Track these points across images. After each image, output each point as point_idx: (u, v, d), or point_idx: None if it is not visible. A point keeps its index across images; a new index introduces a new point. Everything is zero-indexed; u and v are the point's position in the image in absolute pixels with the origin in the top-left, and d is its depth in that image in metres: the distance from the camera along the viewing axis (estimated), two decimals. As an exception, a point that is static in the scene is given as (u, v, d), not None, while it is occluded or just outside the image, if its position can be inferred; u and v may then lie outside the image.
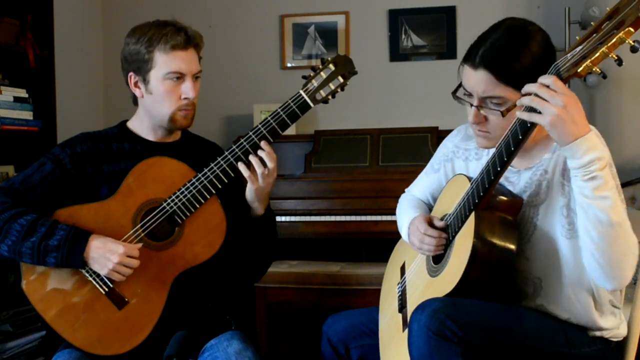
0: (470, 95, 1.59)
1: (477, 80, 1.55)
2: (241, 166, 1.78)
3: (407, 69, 3.74)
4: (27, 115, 2.95)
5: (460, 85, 1.63)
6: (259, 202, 1.84)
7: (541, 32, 1.58)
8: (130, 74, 1.85)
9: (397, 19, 3.72)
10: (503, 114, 1.52)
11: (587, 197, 1.41)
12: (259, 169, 1.77)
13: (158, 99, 1.83)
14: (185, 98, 1.83)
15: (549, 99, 1.36)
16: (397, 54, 3.74)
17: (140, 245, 1.74)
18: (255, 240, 1.90)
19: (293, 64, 3.82)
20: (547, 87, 1.37)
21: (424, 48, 3.71)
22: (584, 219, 1.43)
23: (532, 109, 1.39)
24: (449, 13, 3.67)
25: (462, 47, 3.69)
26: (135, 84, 1.86)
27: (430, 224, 1.72)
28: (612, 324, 1.62)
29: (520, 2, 3.64)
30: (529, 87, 1.40)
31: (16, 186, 1.79)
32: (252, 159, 1.78)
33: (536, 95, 1.38)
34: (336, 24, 3.78)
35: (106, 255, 1.69)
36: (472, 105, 1.58)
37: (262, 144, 1.79)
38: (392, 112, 3.71)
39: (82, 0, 3.85)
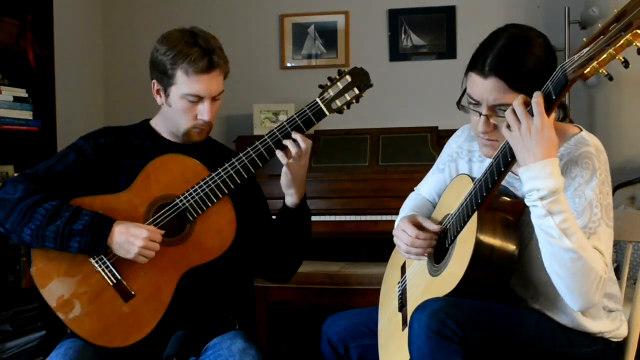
0: (477, 104, 1.58)
1: (488, 88, 1.54)
2: (279, 153, 1.81)
3: (407, 69, 3.74)
4: (27, 115, 2.95)
5: (463, 94, 1.62)
6: (295, 188, 1.87)
7: (542, 36, 1.59)
8: (154, 81, 1.88)
9: (397, 19, 3.72)
10: None
11: (535, 222, 1.46)
12: (293, 149, 1.80)
13: (176, 113, 1.86)
14: (201, 119, 1.85)
15: (520, 119, 1.42)
16: (397, 54, 3.74)
17: (163, 232, 1.76)
18: (289, 233, 1.92)
19: (293, 64, 3.82)
20: (526, 105, 1.43)
21: (424, 48, 3.71)
22: (539, 240, 1.47)
23: None
24: (449, 13, 3.67)
25: (462, 47, 3.70)
26: (158, 92, 1.88)
27: (420, 226, 1.72)
28: (610, 327, 1.62)
29: (520, 2, 3.64)
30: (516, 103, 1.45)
31: (40, 174, 1.82)
32: (287, 141, 1.81)
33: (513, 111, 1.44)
34: (336, 24, 3.78)
35: (130, 240, 1.71)
36: (481, 114, 1.57)
37: (294, 134, 1.82)
38: (392, 112, 3.71)
39: (82, 0, 3.85)
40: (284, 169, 1.83)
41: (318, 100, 1.84)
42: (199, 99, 1.83)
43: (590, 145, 1.55)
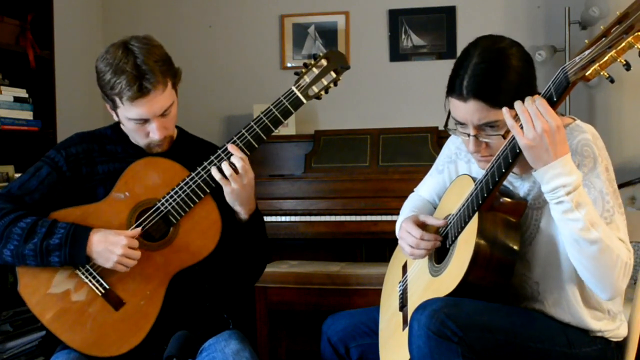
0: (463, 124, 1.58)
1: (469, 110, 1.53)
2: (213, 170, 1.75)
3: (407, 69, 3.74)
4: (27, 115, 2.95)
5: (448, 117, 1.62)
6: (240, 206, 1.80)
7: (515, 44, 1.58)
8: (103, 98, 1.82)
9: (397, 19, 3.72)
10: (504, 136, 1.52)
11: (559, 218, 1.45)
12: (227, 171, 1.75)
13: (129, 132, 1.84)
14: (152, 137, 1.80)
15: (533, 120, 1.39)
16: (397, 54, 3.74)
17: (138, 230, 1.73)
18: (244, 244, 1.89)
19: (293, 64, 3.82)
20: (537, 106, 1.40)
21: (424, 48, 3.71)
22: (563, 237, 1.48)
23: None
24: (449, 13, 3.67)
25: (462, 47, 3.66)
26: (111, 108, 1.82)
27: (423, 225, 1.72)
28: (610, 326, 1.63)
29: (520, 2, 3.64)
30: (517, 105, 1.42)
31: (14, 191, 1.79)
32: (224, 165, 1.75)
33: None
34: (336, 24, 3.78)
35: (109, 247, 1.68)
36: (469, 135, 1.57)
37: (229, 146, 1.76)
38: (392, 112, 3.71)
39: (82, 0, 3.85)
40: (224, 189, 1.76)
41: (294, 88, 1.79)
42: (145, 120, 1.76)
43: (585, 132, 1.55)
